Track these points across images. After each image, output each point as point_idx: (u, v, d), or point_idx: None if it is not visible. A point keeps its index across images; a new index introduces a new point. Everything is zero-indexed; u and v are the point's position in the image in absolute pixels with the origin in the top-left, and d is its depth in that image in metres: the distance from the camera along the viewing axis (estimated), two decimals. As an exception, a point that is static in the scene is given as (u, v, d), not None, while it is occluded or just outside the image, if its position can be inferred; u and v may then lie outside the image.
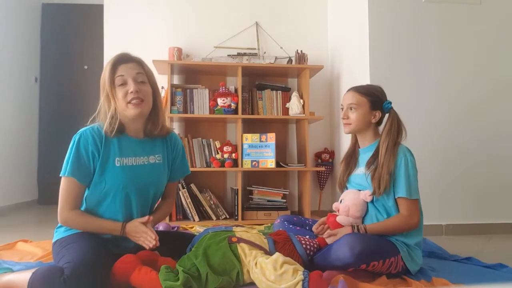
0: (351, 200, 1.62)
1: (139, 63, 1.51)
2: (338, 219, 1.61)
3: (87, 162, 1.43)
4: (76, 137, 1.45)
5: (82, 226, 1.44)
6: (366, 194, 1.60)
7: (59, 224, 1.51)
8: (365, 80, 2.55)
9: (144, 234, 1.42)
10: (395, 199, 1.58)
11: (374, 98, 1.67)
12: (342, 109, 1.71)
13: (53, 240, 1.48)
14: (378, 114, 1.67)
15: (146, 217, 1.47)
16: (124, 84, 1.45)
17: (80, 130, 1.47)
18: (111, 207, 1.47)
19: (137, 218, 1.50)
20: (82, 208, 1.48)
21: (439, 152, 2.59)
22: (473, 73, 2.65)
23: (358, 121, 1.65)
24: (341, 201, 1.66)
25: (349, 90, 1.72)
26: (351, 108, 1.66)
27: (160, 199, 1.68)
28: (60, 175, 1.44)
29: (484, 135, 2.64)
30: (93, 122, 1.50)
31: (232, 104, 2.92)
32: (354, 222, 1.61)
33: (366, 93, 1.67)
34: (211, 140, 3.04)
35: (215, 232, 1.51)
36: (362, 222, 1.63)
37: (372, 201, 1.60)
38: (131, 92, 1.43)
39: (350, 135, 1.79)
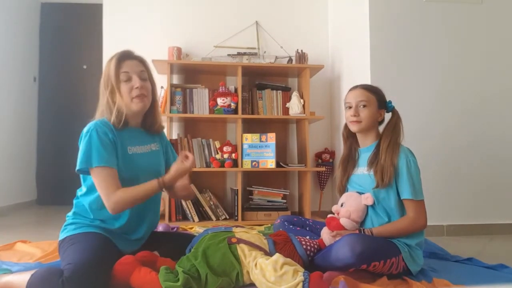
0: (353, 206, 1.60)
1: (142, 61, 1.58)
2: (343, 222, 1.59)
3: (110, 147, 1.44)
4: (91, 129, 1.44)
5: (133, 199, 1.42)
6: (368, 198, 1.59)
7: (67, 222, 1.51)
8: (365, 79, 2.55)
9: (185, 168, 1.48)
10: (397, 201, 1.57)
11: (380, 97, 1.68)
12: (350, 107, 1.67)
13: (61, 238, 1.47)
14: (383, 113, 1.68)
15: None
16: (128, 80, 1.51)
17: (90, 123, 1.47)
18: None
19: (149, 204, 1.53)
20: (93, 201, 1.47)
21: (440, 152, 2.58)
22: (474, 73, 2.65)
23: (369, 119, 1.64)
24: (342, 205, 1.65)
25: (355, 87, 1.70)
26: (361, 106, 1.64)
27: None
28: (82, 168, 1.41)
29: (485, 135, 2.63)
30: (98, 114, 1.55)
31: (232, 104, 2.91)
32: (356, 226, 1.60)
33: (374, 91, 1.67)
34: (210, 140, 3.03)
35: (214, 233, 1.50)
36: (360, 226, 1.62)
37: (372, 205, 1.59)
38: (137, 87, 1.50)
39: (341, 139, 1.79)
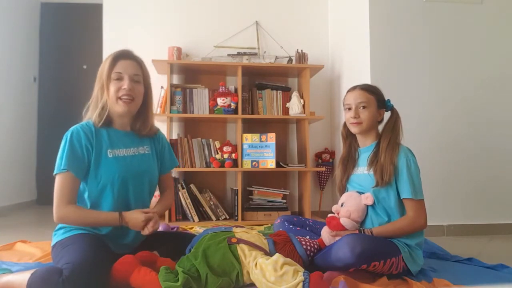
0: (353, 206, 1.60)
1: (138, 63, 1.55)
2: (343, 221, 1.59)
3: (82, 155, 1.44)
4: (68, 134, 1.47)
5: (80, 220, 1.42)
6: (368, 198, 1.59)
7: (57, 227, 1.51)
8: (365, 79, 2.54)
9: (145, 223, 1.44)
10: (397, 201, 1.57)
11: (379, 97, 1.68)
12: (350, 108, 1.67)
13: (52, 243, 1.47)
14: (382, 113, 1.68)
15: (148, 210, 1.50)
16: (119, 79, 1.49)
17: (71, 128, 1.49)
18: (109, 198, 1.48)
19: (134, 208, 1.52)
20: (86, 207, 1.47)
21: (440, 152, 2.58)
22: (474, 72, 2.65)
23: (369, 120, 1.64)
24: (342, 204, 1.64)
25: (354, 88, 1.69)
26: (361, 107, 1.64)
27: (156, 192, 1.72)
28: (55, 173, 1.43)
29: (485, 135, 2.63)
30: (87, 111, 1.55)
31: (232, 104, 2.91)
32: (356, 226, 1.60)
33: (373, 92, 1.67)
34: (210, 140, 3.03)
35: (214, 233, 1.50)
36: (360, 226, 1.62)
37: (372, 205, 1.59)
38: (124, 88, 1.48)
39: (341, 138, 1.79)
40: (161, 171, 1.69)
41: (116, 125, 1.55)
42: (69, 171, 1.41)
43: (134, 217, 1.44)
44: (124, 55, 1.52)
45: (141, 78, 1.54)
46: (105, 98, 1.50)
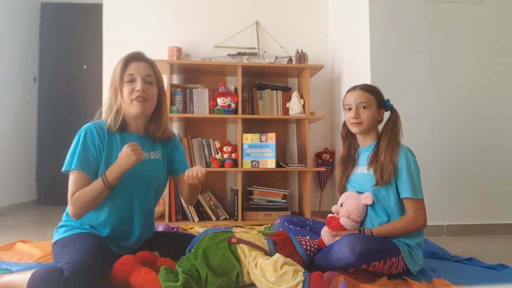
0: (353, 205, 1.60)
1: (150, 64, 1.55)
2: (343, 221, 1.59)
3: (95, 154, 1.45)
4: (81, 132, 1.47)
5: (85, 199, 1.38)
6: (367, 197, 1.59)
7: (59, 224, 1.51)
8: (365, 80, 2.54)
9: (129, 152, 1.37)
10: (397, 201, 1.57)
11: (379, 96, 1.69)
12: (350, 108, 1.67)
13: (53, 241, 1.48)
14: (382, 112, 1.69)
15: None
16: (132, 81, 1.49)
17: (84, 126, 1.49)
18: (114, 200, 1.47)
19: (139, 210, 1.52)
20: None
21: (440, 152, 2.58)
22: (474, 72, 2.65)
23: (369, 120, 1.64)
24: (341, 205, 1.64)
25: (354, 88, 1.70)
26: (361, 107, 1.64)
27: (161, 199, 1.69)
28: (65, 169, 1.43)
29: (486, 136, 2.63)
30: (100, 116, 1.54)
31: (232, 104, 2.91)
32: (355, 226, 1.60)
33: (373, 92, 1.67)
34: (210, 140, 3.03)
35: (214, 233, 1.50)
36: (360, 226, 1.62)
37: (372, 205, 1.59)
38: (137, 90, 1.47)
39: (340, 138, 1.79)
40: (176, 174, 1.66)
41: (131, 129, 1.55)
42: (81, 171, 1.41)
43: (121, 156, 1.38)
44: (135, 57, 1.52)
45: (154, 79, 1.54)
46: (119, 101, 1.49)
